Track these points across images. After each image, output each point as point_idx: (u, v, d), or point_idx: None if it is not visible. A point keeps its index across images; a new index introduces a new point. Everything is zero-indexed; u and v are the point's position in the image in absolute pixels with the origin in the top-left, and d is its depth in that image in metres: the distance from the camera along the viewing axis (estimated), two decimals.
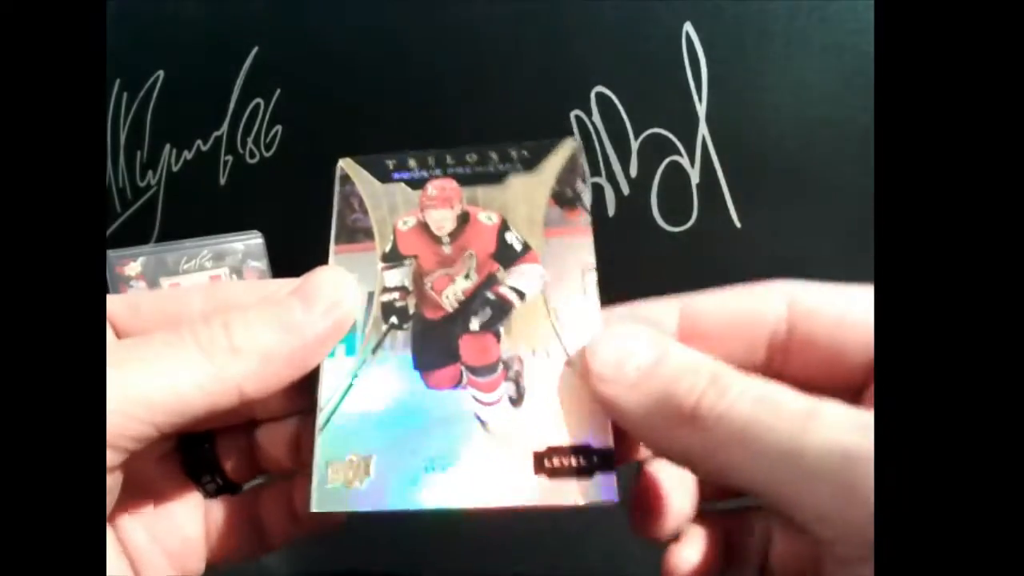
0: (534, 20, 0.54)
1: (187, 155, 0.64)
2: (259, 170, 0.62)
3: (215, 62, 0.62)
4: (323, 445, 0.22)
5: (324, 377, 0.23)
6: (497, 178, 0.25)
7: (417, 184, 0.26)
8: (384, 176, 0.26)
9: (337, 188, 0.26)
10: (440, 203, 0.25)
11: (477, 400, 0.22)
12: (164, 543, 0.23)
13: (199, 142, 0.64)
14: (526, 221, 0.25)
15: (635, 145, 0.53)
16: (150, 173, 0.66)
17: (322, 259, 0.25)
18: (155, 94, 0.64)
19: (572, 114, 0.54)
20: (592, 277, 0.23)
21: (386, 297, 0.24)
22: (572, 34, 0.53)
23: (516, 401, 0.22)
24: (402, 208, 0.25)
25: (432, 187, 0.26)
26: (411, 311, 0.24)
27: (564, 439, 0.21)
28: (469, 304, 0.24)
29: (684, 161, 0.53)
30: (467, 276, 0.24)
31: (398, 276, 0.25)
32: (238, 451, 0.25)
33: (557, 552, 0.38)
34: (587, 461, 0.21)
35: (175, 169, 0.65)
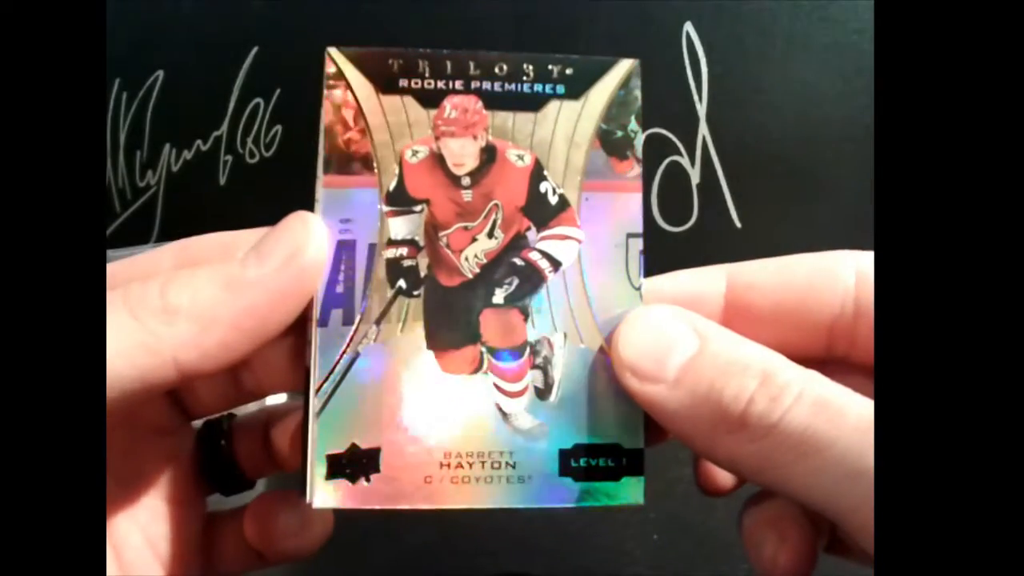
0: (534, 20, 0.54)
1: (187, 155, 0.64)
2: (259, 170, 0.62)
3: (215, 62, 0.62)
4: (322, 432, 0.19)
5: (317, 350, 0.19)
6: (532, 103, 0.21)
7: (430, 100, 0.20)
8: (386, 83, 0.20)
9: (325, 92, 0.20)
10: (460, 129, 0.20)
11: (499, 389, 0.20)
12: (159, 548, 0.23)
13: (199, 142, 0.63)
14: (564, 167, 0.21)
15: None
16: (150, 173, 0.66)
17: (308, 193, 0.21)
18: (155, 94, 0.64)
19: None
20: (637, 246, 0.20)
21: (392, 253, 0.20)
22: (572, 34, 0.53)
23: (543, 392, 0.20)
24: (410, 131, 0.20)
25: (451, 106, 0.20)
26: (423, 273, 0.20)
27: (593, 437, 0.19)
28: (493, 270, 0.20)
29: (684, 161, 0.52)
30: (491, 234, 0.20)
31: (406, 226, 0.20)
32: (254, 448, 0.24)
33: (557, 552, 0.38)
34: (616, 463, 0.19)
35: (175, 169, 0.65)
